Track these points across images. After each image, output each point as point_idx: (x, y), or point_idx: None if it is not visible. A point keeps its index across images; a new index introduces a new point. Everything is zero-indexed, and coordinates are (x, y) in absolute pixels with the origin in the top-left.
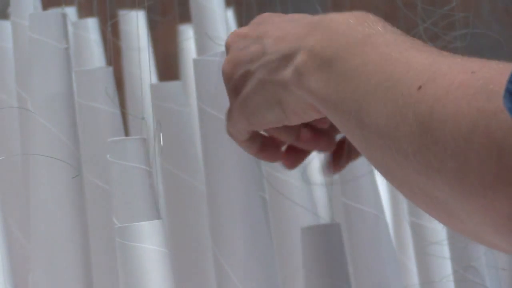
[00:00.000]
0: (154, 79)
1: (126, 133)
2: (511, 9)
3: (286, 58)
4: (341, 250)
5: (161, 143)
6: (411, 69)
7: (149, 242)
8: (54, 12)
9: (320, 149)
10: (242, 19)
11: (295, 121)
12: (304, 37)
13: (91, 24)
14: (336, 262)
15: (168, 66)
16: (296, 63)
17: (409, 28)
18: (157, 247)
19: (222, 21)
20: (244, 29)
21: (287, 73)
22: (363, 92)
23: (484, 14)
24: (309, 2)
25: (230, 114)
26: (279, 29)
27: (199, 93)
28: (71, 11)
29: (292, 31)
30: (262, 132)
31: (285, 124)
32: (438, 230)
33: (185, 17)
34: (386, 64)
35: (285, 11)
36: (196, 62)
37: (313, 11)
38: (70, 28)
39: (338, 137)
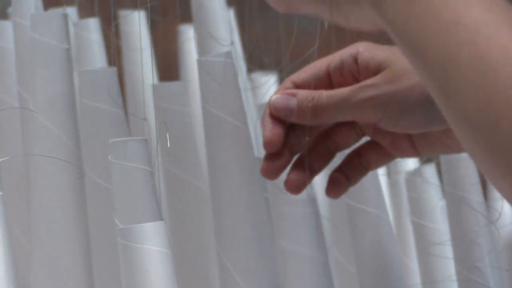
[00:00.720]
0: (154, 79)
1: (129, 134)
2: None
3: None
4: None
5: (168, 144)
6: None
7: (151, 243)
8: (55, 12)
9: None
10: (244, 19)
11: (351, 25)
12: None
13: (92, 24)
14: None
15: (168, 66)
16: None
17: None
18: (159, 248)
19: (224, 21)
20: None
21: None
22: (445, 58)
23: None
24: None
25: None
26: None
27: (203, 94)
28: (72, 11)
29: None
30: None
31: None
32: (441, 231)
33: (186, 17)
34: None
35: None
36: (200, 62)
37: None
38: (71, 29)
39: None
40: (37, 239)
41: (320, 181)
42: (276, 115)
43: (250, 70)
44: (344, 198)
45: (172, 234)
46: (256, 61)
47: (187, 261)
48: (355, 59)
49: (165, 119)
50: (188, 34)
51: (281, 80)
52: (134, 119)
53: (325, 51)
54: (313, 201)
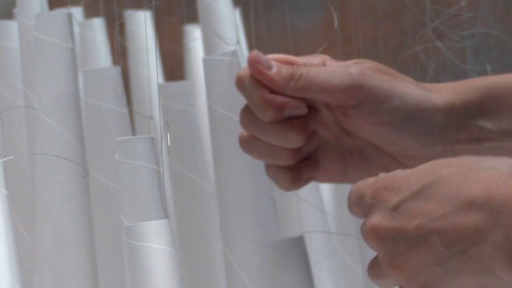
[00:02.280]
0: (160, 79)
1: (133, 133)
2: (511, 9)
3: (471, 256)
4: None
5: (169, 143)
6: None
7: (155, 242)
8: (60, 12)
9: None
10: (249, 20)
11: None
12: (483, 230)
13: (98, 24)
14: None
15: (174, 66)
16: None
17: (417, 28)
18: (163, 247)
19: (230, 21)
20: (384, 218)
21: (487, 268)
22: None
23: (492, 14)
24: (315, 2)
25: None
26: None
27: (208, 93)
28: (77, 11)
29: (458, 223)
30: None
31: None
32: None
33: (191, 17)
34: None
35: (292, 11)
36: (205, 61)
37: (318, 11)
38: (76, 28)
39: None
40: (42, 238)
41: None
42: (255, 67)
43: None
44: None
45: (179, 233)
46: None
47: (194, 259)
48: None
49: (171, 118)
50: (193, 34)
51: None
52: (140, 118)
53: (331, 51)
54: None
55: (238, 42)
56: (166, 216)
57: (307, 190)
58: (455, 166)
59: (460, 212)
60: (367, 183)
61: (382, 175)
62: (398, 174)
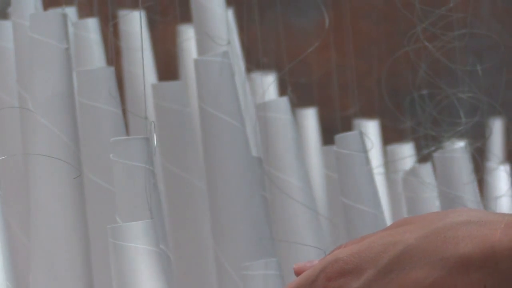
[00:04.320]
0: (154, 79)
1: (127, 133)
2: (511, 9)
3: None
4: None
5: (155, 143)
6: None
7: (140, 242)
8: (54, 12)
9: None
10: (243, 19)
11: None
12: (493, 285)
13: (92, 24)
14: None
15: (168, 66)
16: None
17: (407, 28)
18: (148, 247)
19: (223, 21)
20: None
21: None
22: None
23: (483, 14)
24: (309, 2)
25: None
26: None
27: (200, 93)
28: (71, 11)
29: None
30: None
31: None
32: None
33: (186, 17)
34: None
35: (289, 11)
36: (196, 62)
37: (314, 11)
38: (70, 28)
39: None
40: (36, 237)
41: (319, 180)
42: None
43: (249, 70)
44: (341, 198)
45: (171, 232)
46: (255, 61)
47: (185, 258)
48: None
49: (165, 118)
50: (187, 34)
51: (279, 79)
52: (133, 118)
53: (323, 51)
54: None
55: (228, 42)
56: (151, 216)
57: (299, 190)
58: (416, 229)
59: (455, 274)
60: (305, 279)
61: (324, 261)
62: (345, 253)
